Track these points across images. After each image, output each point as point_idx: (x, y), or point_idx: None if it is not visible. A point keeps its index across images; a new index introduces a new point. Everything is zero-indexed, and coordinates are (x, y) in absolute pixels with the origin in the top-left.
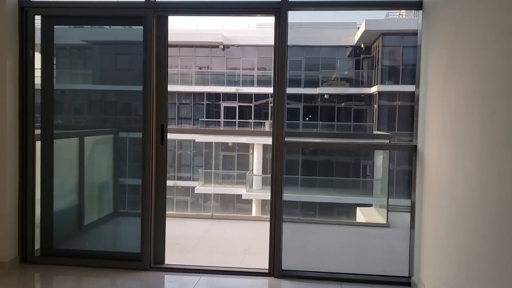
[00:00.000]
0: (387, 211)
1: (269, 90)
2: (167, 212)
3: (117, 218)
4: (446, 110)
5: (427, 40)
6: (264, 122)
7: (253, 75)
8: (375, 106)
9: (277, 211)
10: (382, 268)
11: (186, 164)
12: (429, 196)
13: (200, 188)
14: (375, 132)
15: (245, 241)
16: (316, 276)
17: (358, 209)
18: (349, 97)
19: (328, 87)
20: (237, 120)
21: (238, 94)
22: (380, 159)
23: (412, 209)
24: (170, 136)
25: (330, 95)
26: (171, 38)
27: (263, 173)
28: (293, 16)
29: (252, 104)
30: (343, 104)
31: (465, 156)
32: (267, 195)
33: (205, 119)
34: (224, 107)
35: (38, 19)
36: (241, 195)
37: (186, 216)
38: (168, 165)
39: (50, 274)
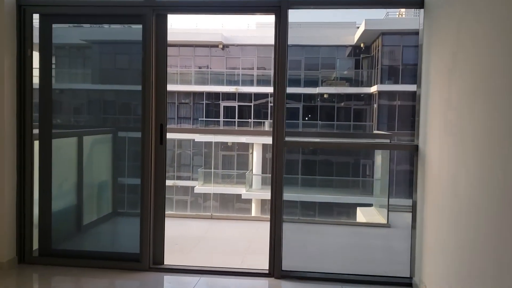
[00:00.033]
0: (388, 211)
1: (269, 89)
2: (166, 212)
3: (116, 218)
4: (448, 110)
5: (429, 39)
6: (264, 122)
7: (253, 75)
8: (375, 105)
9: (277, 211)
10: (383, 269)
11: (185, 164)
12: (431, 196)
13: (200, 187)
14: (375, 131)
15: (245, 241)
16: (316, 277)
17: (358, 209)
18: (348, 96)
19: (327, 86)
20: (236, 119)
21: (238, 93)
22: (380, 158)
23: (413, 209)
24: (169, 135)
25: (330, 94)
26: (171, 37)
27: (262, 172)
28: (293, 15)
29: (252, 104)
30: (342, 104)
31: (467, 155)
32: (266, 194)
33: (204, 119)
34: (224, 106)
35: (36, 18)
36: (240, 194)
37: (185, 216)
38: (168, 164)
39: (48, 274)
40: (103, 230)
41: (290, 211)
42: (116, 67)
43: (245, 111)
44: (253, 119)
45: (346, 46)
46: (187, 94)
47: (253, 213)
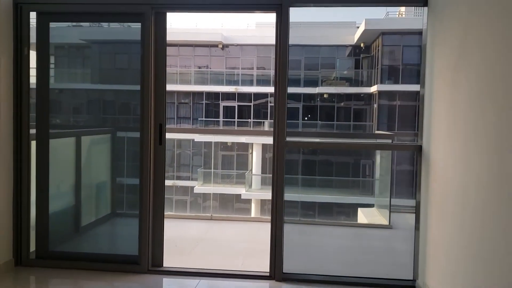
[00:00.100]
0: (389, 212)
1: (269, 89)
2: (165, 213)
3: (114, 219)
4: (453, 110)
5: (433, 38)
6: (263, 122)
7: (253, 75)
8: (375, 105)
9: (278, 212)
10: (385, 271)
11: (185, 164)
12: (435, 196)
13: (199, 187)
14: (377, 131)
15: (245, 243)
16: (318, 279)
17: (359, 210)
18: (348, 96)
19: (327, 86)
20: (236, 119)
21: (237, 93)
22: (381, 158)
23: (416, 210)
24: (169, 135)
25: (330, 94)
26: (170, 37)
27: (262, 172)
28: (294, 14)
29: (252, 104)
30: (342, 104)
31: (473, 156)
32: (266, 194)
33: (204, 119)
34: (223, 106)
35: (33, 16)
36: (240, 194)
37: (185, 217)
38: (167, 164)
39: (45, 277)
40: (101, 231)
41: (291, 211)
42: (115, 67)
43: (245, 111)
44: (253, 119)
45: (346, 46)
46: (186, 94)
47: (253, 213)
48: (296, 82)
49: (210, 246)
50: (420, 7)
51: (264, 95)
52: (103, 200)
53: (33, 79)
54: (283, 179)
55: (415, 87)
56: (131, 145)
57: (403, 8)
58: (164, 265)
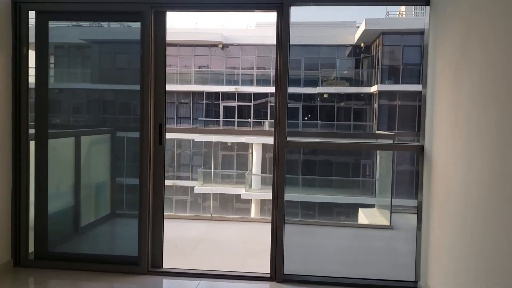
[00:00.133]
0: (390, 212)
1: (269, 89)
2: (165, 214)
3: (114, 220)
4: (456, 110)
5: (435, 38)
6: (264, 122)
7: (253, 75)
8: (375, 105)
9: (278, 212)
10: (387, 272)
11: (185, 164)
12: (437, 197)
13: (199, 187)
14: (378, 132)
15: (246, 244)
16: (319, 280)
17: (360, 210)
18: (348, 96)
19: (327, 86)
20: (236, 119)
21: (238, 93)
22: (382, 158)
23: (418, 210)
24: (169, 135)
25: (330, 94)
26: (170, 37)
27: (262, 172)
28: (294, 14)
29: (252, 104)
30: (342, 104)
31: (476, 156)
32: (266, 194)
33: (204, 119)
34: (223, 106)
35: (32, 15)
36: (240, 194)
37: (185, 218)
38: (167, 164)
39: (44, 278)
40: (101, 232)
41: (291, 211)
42: (114, 67)
43: (245, 111)
44: (253, 119)
45: (346, 46)
46: (186, 94)
47: (253, 213)
48: (296, 82)
49: (210, 246)
50: (421, 7)
51: (264, 95)
52: (103, 201)
53: (32, 79)
54: (284, 179)
55: (415, 87)
56: (131, 145)
57: (403, 8)
58: (164, 266)
